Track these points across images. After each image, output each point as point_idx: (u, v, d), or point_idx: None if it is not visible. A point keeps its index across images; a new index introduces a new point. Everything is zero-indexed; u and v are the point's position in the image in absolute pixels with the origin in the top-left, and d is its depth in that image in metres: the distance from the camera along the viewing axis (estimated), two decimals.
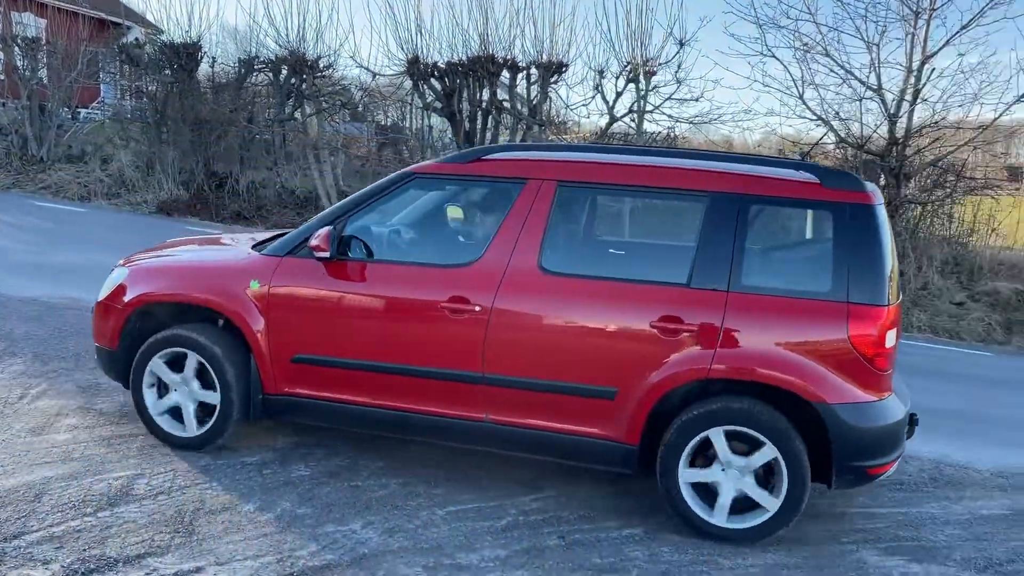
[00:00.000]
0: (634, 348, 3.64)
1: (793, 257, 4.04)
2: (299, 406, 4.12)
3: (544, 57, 13.21)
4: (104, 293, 4.44)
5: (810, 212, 3.94)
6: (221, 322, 4.20)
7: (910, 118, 12.18)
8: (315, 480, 4.16)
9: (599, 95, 13.43)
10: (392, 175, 4.17)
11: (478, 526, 3.82)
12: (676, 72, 13.05)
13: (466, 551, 3.58)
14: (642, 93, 13.16)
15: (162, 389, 4.35)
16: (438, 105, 13.74)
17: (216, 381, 4.11)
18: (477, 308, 3.77)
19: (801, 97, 12.49)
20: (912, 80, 11.86)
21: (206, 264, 4.43)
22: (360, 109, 16.92)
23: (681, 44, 12.82)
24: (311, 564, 3.37)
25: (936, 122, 12.29)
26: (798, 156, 17.03)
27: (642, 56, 13.04)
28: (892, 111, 12.13)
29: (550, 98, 13.89)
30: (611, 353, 3.67)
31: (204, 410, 4.28)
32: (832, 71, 12.39)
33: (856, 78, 12.13)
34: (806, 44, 12.15)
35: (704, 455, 3.70)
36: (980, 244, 12.35)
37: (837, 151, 13.67)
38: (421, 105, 14.24)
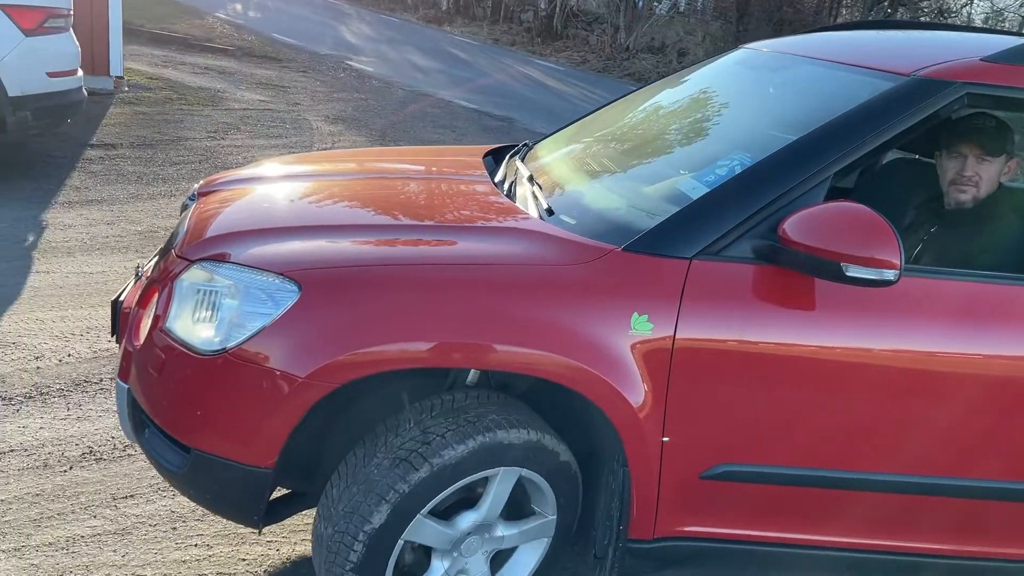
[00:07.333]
0: None
1: None
2: (702, 554, 2.10)
3: None
4: (234, 339, 1.79)
5: None
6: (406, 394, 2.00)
7: None
8: None
9: None
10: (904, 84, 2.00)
11: None
12: None
13: None
14: None
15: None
16: None
17: (554, 507, 2.03)
18: None
19: None
20: None
21: (497, 268, 1.87)
22: None
23: None
24: None
25: None
26: None
27: None
28: None
29: None
30: None
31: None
32: None
33: None
34: None
35: None
36: None
37: None
38: None
